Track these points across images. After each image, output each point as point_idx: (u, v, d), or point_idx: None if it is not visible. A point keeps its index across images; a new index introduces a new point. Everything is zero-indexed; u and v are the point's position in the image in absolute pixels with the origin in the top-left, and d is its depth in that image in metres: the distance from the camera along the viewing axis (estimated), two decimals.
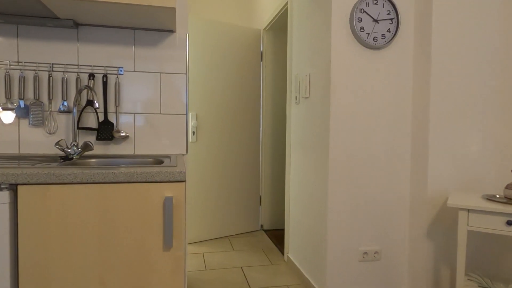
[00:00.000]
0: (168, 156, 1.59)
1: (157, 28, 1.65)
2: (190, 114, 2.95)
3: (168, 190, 1.13)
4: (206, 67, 3.04)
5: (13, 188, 1.05)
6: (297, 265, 2.40)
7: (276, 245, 3.01)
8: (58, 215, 1.07)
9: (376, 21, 1.91)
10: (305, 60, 2.28)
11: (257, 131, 3.40)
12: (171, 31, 1.67)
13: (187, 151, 1.73)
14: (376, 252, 1.99)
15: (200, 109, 3.02)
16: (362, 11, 1.89)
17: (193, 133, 2.98)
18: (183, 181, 1.14)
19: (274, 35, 3.40)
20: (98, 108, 1.42)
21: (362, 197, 1.96)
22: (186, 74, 1.71)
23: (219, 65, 3.11)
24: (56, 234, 1.07)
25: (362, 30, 1.89)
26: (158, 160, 1.51)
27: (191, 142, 2.99)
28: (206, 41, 3.03)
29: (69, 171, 1.05)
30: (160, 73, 1.68)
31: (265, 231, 3.43)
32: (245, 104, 3.30)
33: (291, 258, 2.54)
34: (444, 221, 1.89)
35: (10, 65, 1.54)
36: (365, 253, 1.98)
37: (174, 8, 1.36)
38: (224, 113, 3.17)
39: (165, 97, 1.69)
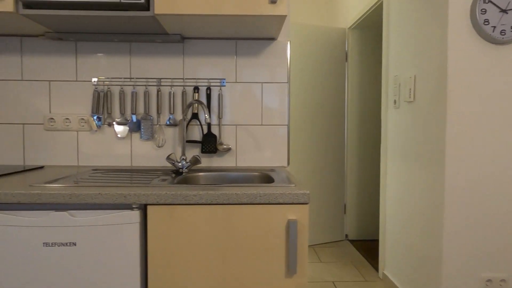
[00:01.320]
0: (272, 169, 1.52)
1: (259, 37, 1.60)
2: None
3: (292, 212, 1.05)
4: (290, 71, 2.96)
5: (142, 208, 1.06)
6: (398, 285, 2.19)
7: (366, 258, 2.81)
8: (184, 234, 1.05)
9: (504, 11, 1.64)
10: (408, 60, 2.06)
11: (342, 136, 3.23)
12: (273, 38, 1.61)
13: (288, 163, 1.65)
14: (502, 280, 1.71)
15: None
16: (487, 0, 1.63)
17: None
18: (306, 203, 1.05)
19: (360, 34, 3.19)
20: (209, 123, 1.41)
21: (485, 215, 1.70)
22: (287, 82, 1.64)
23: (301, 67, 3.01)
24: (181, 252, 1.06)
25: (486, 22, 1.64)
26: (264, 174, 1.45)
27: None
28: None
29: (194, 192, 1.03)
30: (262, 83, 1.63)
31: (351, 241, 3.24)
32: (328, 107, 3.14)
33: (388, 275, 2.33)
34: None
35: (123, 81, 1.61)
36: (488, 280, 1.71)
37: (285, 16, 1.29)
38: (307, 117, 3.05)
39: (266, 108, 1.63)
